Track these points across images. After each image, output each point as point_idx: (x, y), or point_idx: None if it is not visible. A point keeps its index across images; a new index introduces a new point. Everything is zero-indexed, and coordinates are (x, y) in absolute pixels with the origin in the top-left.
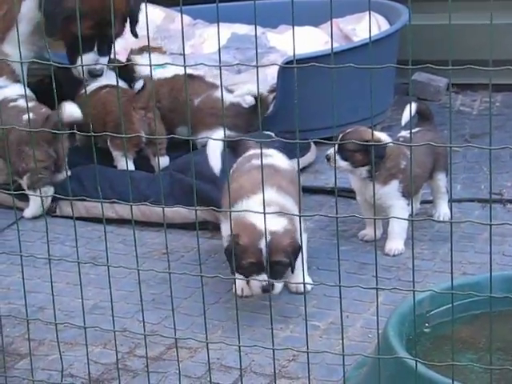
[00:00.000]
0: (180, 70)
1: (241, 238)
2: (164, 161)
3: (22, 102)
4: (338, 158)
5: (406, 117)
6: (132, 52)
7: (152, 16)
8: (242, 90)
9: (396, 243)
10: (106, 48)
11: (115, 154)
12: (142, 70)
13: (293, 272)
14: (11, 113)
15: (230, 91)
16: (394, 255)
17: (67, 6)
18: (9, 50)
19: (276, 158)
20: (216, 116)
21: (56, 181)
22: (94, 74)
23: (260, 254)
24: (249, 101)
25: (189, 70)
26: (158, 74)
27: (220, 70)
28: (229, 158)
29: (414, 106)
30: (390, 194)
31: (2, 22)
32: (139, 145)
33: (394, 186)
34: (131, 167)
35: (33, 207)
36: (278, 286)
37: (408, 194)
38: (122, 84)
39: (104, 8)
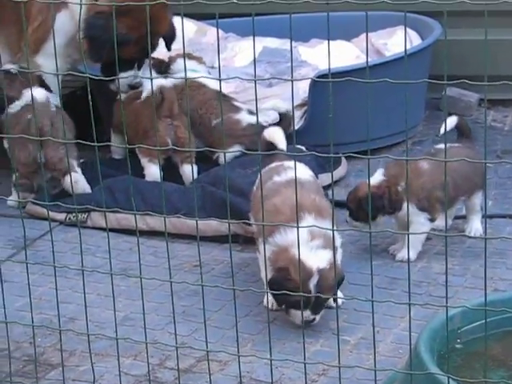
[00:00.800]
0: (208, 82)
1: (291, 273)
2: (190, 168)
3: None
4: (350, 219)
5: (443, 129)
6: (171, 59)
7: (184, 29)
8: (267, 105)
9: (411, 251)
10: (143, 63)
11: (143, 161)
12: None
13: (335, 302)
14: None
15: (252, 113)
16: (401, 261)
17: (119, 32)
18: (41, 61)
19: (298, 170)
20: (233, 136)
21: (64, 185)
22: (134, 87)
23: (309, 293)
24: (273, 117)
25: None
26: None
27: (255, 83)
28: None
29: (454, 119)
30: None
31: (36, 34)
32: (167, 152)
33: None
34: (158, 173)
35: (13, 201)
36: (317, 318)
37: (427, 208)
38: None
39: (152, 33)
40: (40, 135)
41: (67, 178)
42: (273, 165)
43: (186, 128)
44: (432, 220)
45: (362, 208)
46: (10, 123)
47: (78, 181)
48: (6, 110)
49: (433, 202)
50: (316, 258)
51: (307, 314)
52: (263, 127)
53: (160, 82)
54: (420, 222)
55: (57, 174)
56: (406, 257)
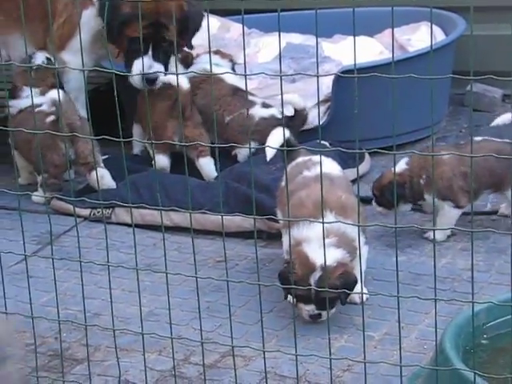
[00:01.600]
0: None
1: (295, 267)
2: (206, 161)
3: (46, 107)
4: (375, 204)
5: (498, 121)
6: (198, 55)
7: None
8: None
9: (437, 232)
10: (160, 54)
11: (150, 151)
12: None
13: (343, 304)
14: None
15: (266, 106)
16: (429, 239)
17: (123, 11)
18: (68, 57)
19: (327, 165)
20: (246, 133)
21: (90, 180)
22: (149, 80)
23: (309, 288)
24: (288, 112)
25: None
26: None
27: (281, 79)
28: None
29: (509, 115)
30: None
31: (61, 30)
32: (173, 147)
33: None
34: (166, 162)
35: (38, 197)
36: (324, 314)
37: (450, 197)
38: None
39: (158, 10)
40: (70, 131)
41: (93, 174)
42: (299, 160)
43: (195, 127)
44: (458, 207)
45: (384, 195)
46: (21, 119)
47: (103, 176)
48: (9, 102)
49: (455, 191)
50: (321, 255)
51: (311, 307)
52: (277, 119)
53: (180, 82)
54: (445, 209)
55: (83, 169)
56: (432, 236)
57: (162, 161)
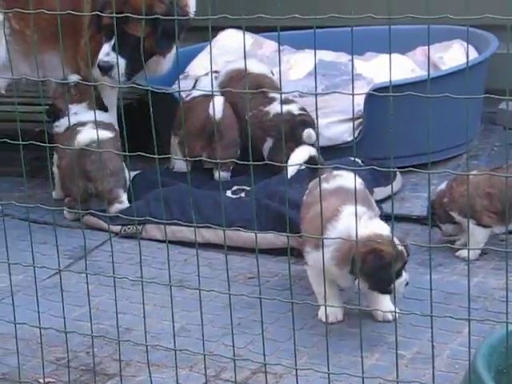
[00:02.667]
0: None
1: (382, 252)
2: (222, 175)
3: (87, 128)
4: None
5: None
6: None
7: (240, 41)
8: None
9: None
10: (123, 46)
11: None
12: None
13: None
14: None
15: (287, 102)
16: (463, 259)
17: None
18: (97, 74)
19: (347, 178)
20: (262, 129)
21: (112, 211)
22: (103, 68)
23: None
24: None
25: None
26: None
27: (316, 97)
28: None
29: None
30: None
31: (88, 47)
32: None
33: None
34: (185, 166)
35: (71, 211)
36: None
37: (472, 215)
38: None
39: (125, 1)
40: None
41: (112, 209)
42: (323, 175)
43: (225, 149)
44: (482, 225)
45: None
46: (67, 136)
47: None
48: (54, 122)
49: (477, 210)
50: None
51: (406, 275)
52: (293, 115)
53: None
54: (471, 227)
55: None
56: (464, 254)
57: (181, 164)
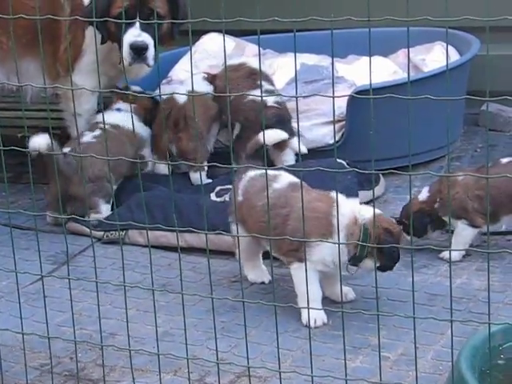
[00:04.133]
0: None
1: (395, 230)
2: (196, 176)
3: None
4: (405, 234)
5: None
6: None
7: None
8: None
9: (453, 252)
10: (149, 26)
11: (154, 157)
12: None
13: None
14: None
15: (269, 91)
16: (447, 260)
17: None
18: (78, 79)
19: (290, 176)
20: (235, 112)
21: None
22: (138, 49)
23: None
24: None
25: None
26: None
27: (296, 100)
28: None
29: None
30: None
31: (68, 52)
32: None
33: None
34: (165, 169)
35: (53, 216)
36: None
37: (464, 216)
38: None
39: None
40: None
41: (90, 217)
42: (251, 174)
43: (189, 140)
44: (474, 226)
45: (413, 224)
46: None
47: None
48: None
49: (469, 212)
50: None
51: None
52: (266, 106)
53: (178, 96)
54: (460, 227)
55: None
56: (448, 256)
57: (162, 167)
